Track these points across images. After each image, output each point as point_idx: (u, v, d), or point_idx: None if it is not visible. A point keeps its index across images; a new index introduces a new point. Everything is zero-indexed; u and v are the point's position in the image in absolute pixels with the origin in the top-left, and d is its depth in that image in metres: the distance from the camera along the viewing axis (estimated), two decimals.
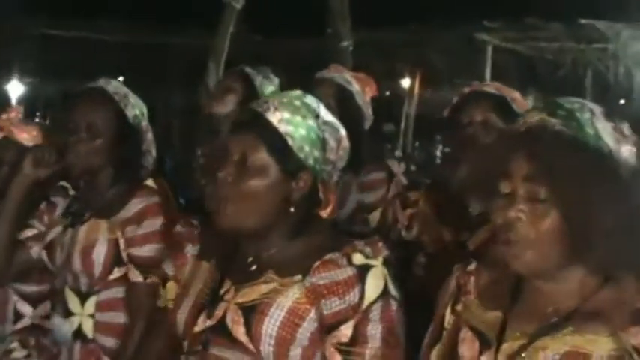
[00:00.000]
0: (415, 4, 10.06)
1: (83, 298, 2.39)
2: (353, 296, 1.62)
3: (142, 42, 11.79)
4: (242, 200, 1.70)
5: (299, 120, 1.73)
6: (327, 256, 1.66)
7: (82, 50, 11.45)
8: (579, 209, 1.39)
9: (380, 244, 1.70)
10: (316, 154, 1.73)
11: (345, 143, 1.80)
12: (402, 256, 2.69)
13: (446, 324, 1.61)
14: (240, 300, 1.70)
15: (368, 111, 2.83)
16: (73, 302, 2.39)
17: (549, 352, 1.40)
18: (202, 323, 1.74)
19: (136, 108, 2.44)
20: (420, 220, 2.56)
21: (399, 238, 2.63)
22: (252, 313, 1.66)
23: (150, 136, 2.50)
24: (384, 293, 1.65)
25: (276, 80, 2.93)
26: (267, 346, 1.64)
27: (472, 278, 1.60)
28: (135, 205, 2.35)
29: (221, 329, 1.69)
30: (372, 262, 1.66)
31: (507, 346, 1.45)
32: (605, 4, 8.16)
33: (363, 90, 2.81)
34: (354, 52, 7.06)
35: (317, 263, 1.66)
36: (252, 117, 1.74)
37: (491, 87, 2.45)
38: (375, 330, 1.64)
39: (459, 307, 1.59)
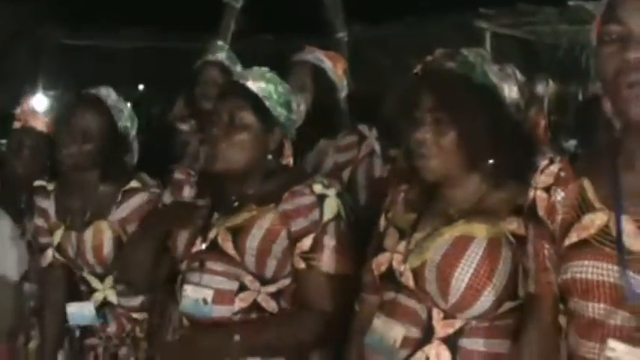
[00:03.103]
0: None
1: (101, 277, 2.82)
2: (314, 215, 2.11)
3: (154, 47, 12.22)
4: (231, 149, 2.17)
5: (272, 88, 2.22)
6: (294, 188, 2.14)
7: (98, 58, 11.88)
8: (470, 130, 1.83)
9: (334, 180, 2.21)
10: (285, 114, 2.22)
11: (302, 107, 2.31)
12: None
13: (381, 229, 2.04)
14: (228, 225, 2.17)
15: (342, 84, 3.25)
16: (94, 282, 2.82)
17: (446, 237, 1.84)
18: (199, 245, 2.21)
19: (127, 120, 2.80)
20: (395, 172, 3.02)
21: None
22: (238, 232, 2.14)
23: (135, 145, 2.85)
24: (338, 216, 2.12)
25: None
26: (250, 257, 2.12)
27: (402, 193, 2.04)
28: (129, 206, 2.73)
29: (214, 248, 2.17)
30: (328, 192, 2.13)
31: (417, 235, 1.90)
32: None
33: (334, 66, 3.23)
34: (354, 48, 7.35)
35: (286, 194, 2.14)
36: (236, 86, 2.23)
37: None
38: (330, 241, 2.11)
39: (389, 215, 2.04)
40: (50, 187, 2.91)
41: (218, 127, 2.19)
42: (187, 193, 2.40)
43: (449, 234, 1.85)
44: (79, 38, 11.91)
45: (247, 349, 2.12)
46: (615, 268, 1.43)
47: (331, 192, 2.15)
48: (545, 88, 9.06)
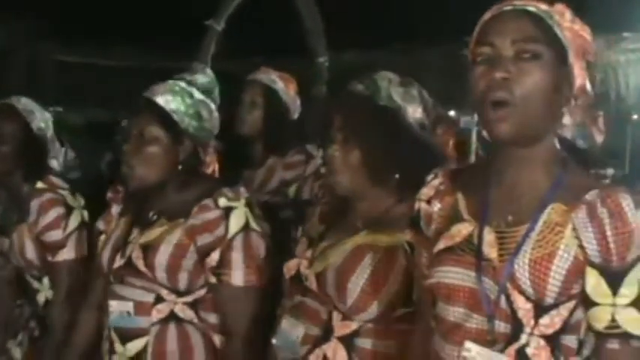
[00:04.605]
0: (399, 24, 10.49)
1: (39, 279, 2.95)
2: (220, 231, 2.18)
3: (147, 66, 12.36)
4: (143, 164, 2.26)
5: (179, 100, 2.29)
6: (202, 202, 2.20)
7: (94, 76, 11.98)
8: (372, 147, 1.98)
9: (242, 189, 2.28)
10: (194, 124, 2.30)
11: (215, 115, 2.37)
12: None
13: (297, 238, 2.18)
14: (141, 241, 2.25)
15: (294, 104, 3.39)
16: (35, 283, 2.95)
17: (348, 246, 1.99)
18: (118, 261, 2.29)
19: (41, 121, 2.92)
20: (326, 188, 3.16)
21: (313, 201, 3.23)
22: (148, 249, 2.22)
23: (56, 145, 2.98)
24: (245, 227, 2.19)
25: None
26: (161, 272, 2.20)
27: (319, 207, 2.19)
28: (34, 209, 2.85)
29: (130, 264, 2.25)
30: (234, 204, 2.20)
31: (323, 244, 2.04)
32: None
33: (286, 87, 3.37)
34: (343, 73, 7.44)
35: (195, 208, 2.21)
36: (145, 102, 2.31)
37: None
38: (237, 255, 2.19)
39: (306, 226, 2.17)
40: None
41: (129, 142, 2.29)
42: (114, 210, 2.51)
43: (351, 243, 1.99)
44: (73, 55, 12.04)
45: None
46: (473, 274, 1.57)
47: (238, 203, 2.21)
48: None
